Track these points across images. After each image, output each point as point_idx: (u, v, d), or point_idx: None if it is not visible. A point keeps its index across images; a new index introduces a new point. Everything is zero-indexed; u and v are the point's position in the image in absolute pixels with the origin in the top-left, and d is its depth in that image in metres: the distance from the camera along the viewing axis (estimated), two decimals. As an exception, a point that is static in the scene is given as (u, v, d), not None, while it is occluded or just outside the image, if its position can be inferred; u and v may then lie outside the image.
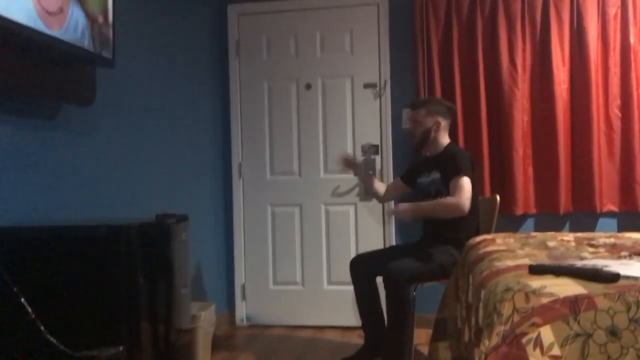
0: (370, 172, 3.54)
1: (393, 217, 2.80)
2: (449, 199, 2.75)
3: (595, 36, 3.49)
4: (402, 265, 2.65)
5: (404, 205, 2.84)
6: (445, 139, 2.98)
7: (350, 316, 3.72)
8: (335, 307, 3.80)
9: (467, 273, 1.98)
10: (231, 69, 3.95)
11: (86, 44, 2.11)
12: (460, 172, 2.75)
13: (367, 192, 3.32)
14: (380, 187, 3.23)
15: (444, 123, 2.95)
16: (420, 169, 3.05)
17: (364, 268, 2.94)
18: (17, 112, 2.06)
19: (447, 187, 2.84)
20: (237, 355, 3.28)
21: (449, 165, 2.81)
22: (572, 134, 3.54)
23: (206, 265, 3.67)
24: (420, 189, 3.02)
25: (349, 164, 3.20)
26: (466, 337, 1.73)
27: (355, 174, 3.39)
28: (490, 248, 2.03)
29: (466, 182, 2.74)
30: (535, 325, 1.24)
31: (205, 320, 2.81)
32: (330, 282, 3.84)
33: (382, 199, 3.34)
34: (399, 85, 3.74)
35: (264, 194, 3.93)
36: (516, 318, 1.28)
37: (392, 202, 3.47)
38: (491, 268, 1.67)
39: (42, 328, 1.54)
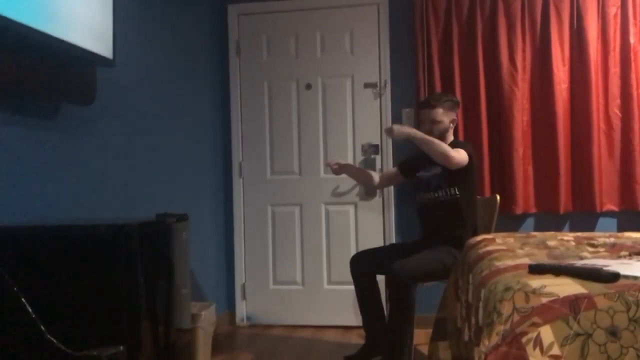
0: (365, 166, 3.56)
1: (392, 133, 2.81)
2: (445, 145, 2.77)
3: (595, 36, 3.49)
4: (405, 265, 2.65)
5: (402, 127, 2.83)
6: (451, 135, 3.01)
7: (350, 316, 3.73)
8: (335, 306, 3.80)
9: (467, 272, 1.98)
10: (231, 69, 3.95)
11: (86, 44, 2.11)
12: (458, 147, 2.83)
13: (364, 184, 3.32)
14: (375, 176, 3.23)
15: (456, 118, 3.00)
16: (422, 162, 3.05)
17: (364, 265, 2.95)
18: (17, 112, 2.06)
19: (447, 181, 2.86)
20: (237, 355, 3.28)
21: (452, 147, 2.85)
22: (572, 133, 3.54)
23: (206, 265, 3.67)
24: (420, 182, 3.03)
25: (340, 169, 3.14)
26: (466, 337, 1.73)
27: (351, 175, 3.30)
28: (490, 247, 2.03)
29: (462, 152, 2.80)
30: (535, 325, 1.24)
31: (205, 320, 2.81)
32: (330, 282, 3.84)
33: (377, 187, 3.41)
34: (399, 85, 3.74)
35: (264, 193, 3.93)
36: (516, 318, 1.28)
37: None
38: (491, 267, 1.67)
39: (42, 328, 1.54)
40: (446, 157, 2.74)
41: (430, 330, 2.54)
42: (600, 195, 3.47)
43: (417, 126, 3.06)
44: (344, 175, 3.30)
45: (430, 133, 2.98)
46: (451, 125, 2.98)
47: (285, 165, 3.91)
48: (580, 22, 3.50)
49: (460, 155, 2.77)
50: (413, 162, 3.16)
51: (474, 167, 2.91)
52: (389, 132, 2.83)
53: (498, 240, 2.20)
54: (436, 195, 2.92)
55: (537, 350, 1.21)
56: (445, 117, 2.94)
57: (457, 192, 2.86)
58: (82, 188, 2.41)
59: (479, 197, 3.18)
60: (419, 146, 2.83)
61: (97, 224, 1.84)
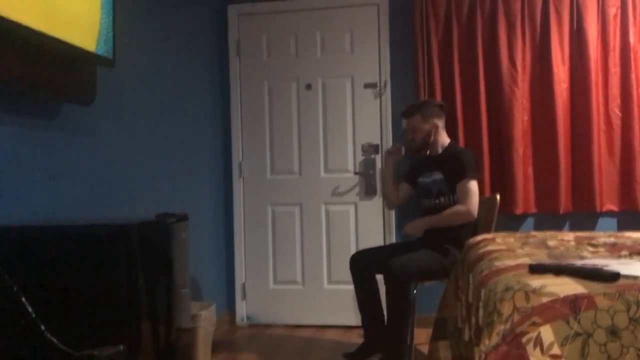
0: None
1: (416, 233, 2.93)
2: (459, 208, 2.79)
3: (595, 36, 3.49)
4: (403, 262, 2.66)
5: (414, 224, 2.90)
6: (445, 139, 3.00)
7: (350, 315, 3.72)
8: (336, 306, 3.80)
9: (467, 272, 1.98)
10: (231, 69, 3.95)
11: (86, 44, 2.11)
12: (466, 176, 2.78)
13: (385, 194, 3.25)
14: (394, 191, 3.20)
15: (440, 123, 2.97)
16: (421, 168, 3.05)
17: (364, 264, 2.95)
18: (17, 112, 2.06)
19: (450, 187, 2.85)
20: (237, 355, 3.28)
21: (454, 167, 2.83)
22: (572, 133, 3.54)
23: (206, 265, 3.67)
24: (421, 188, 3.03)
25: (395, 152, 3.17)
26: (466, 337, 1.73)
27: (388, 175, 3.21)
28: (490, 247, 2.03)
29: (473, 186, 2.79)
30: (535, 325, 1.24)
31: (205, 320, 2.81)
32: (330, 282, 3.84)
33: (396, 203, 3.27)
34: (399, 85, 3.74)
35: (264, 193, 3.93)
36: (516, 317, 1.28)
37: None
38: (491, 267, 1.67)
39: (42, 328, 1.54)
40: (469, 219, 2.80)
41: (430, 330, 2.54)
42: (600, 195, 3.47)
43: (412, 134, 3.03)
44: (344, 175, 3.29)
45: (412, 141, 3.00)
46: (433, 131, 2.94)
47: (285, 165, 3.91)
48: (580, 22, 3.50)
49: (474, 199, 2.79)
50: (413, 169, 3.16)
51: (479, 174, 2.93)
52: (406, 234, 2.94)
53: (498, 240, 2.20)
54: (437, 201, 2.92)
55: (538, 349, 1.21)
56: (424, 123, 2.94)
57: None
58: (82, 188, 2.41)
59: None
60: (439, 226, 2.87)
61: (97, 224, 1.84)
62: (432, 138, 2.96)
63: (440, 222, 2.85)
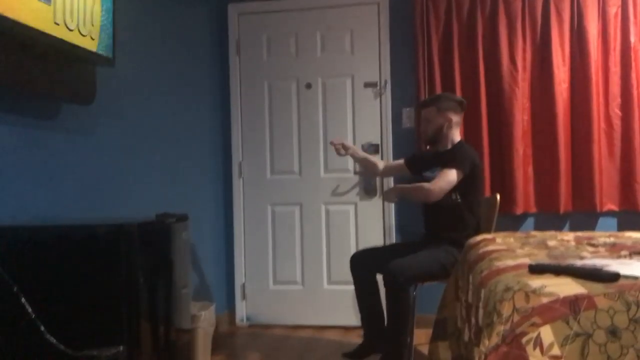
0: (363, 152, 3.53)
1: (390, 199, 3.06)
2: (425, 185, 2.83)
3: (596, 35, 3.49)
4: (402, 265, 2.65)
5: (389, 190, 3.01)
6: (456, 136, 2.98)
7: (350, 316, 3.72)
8: (336, 306, 3.80)
9: (467, 272, 1.98)
10: (231, 68, 3.94)
11: (86, 43, 2.11)
12: (449, 165, 2.80)
13: (367, 171, 3.37)
14: (379, 163, 3.26)
15: (455, 119, 2.95)
16: (428, 162, 3.04)
17: (364, 264, 2.95)
18: (17, 112, 2.06)
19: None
20: (237, 355, 3.28)
21: (448, 159, 2.83)
22: (572, 133, 3.54)
23: (206, 265, 3.67)
24: (424, 182, 3.02)
25: (345, 150, 3.17)
26: (466, 337, 1.73)
27: (355, 159, 3.36)
28: (490, 247, 2.03)
29: (450, 175, 2.79)
30: (535, 325, 1.24)
31: (205, 320, 2.81)
32: (330, 282, 3.84)
33: (381, 174, 3.41)
34: (399, 85, 3.74)
35: (264, 193, 3.93)
36: (516, 318, 1.28)
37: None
38: (491, 267, 1.67)
39: (42, 328, 1.54)
40: (426, 198, 2.83)
41: (430, 330, 2.54)
42: (600, 195, 3.47)
43: (424, 125, 3.03)
44: (344, 175, 3.29)
45: (424, 132, 3.00)
46: (446, 124, 2.92)
47: (285, 165, 3.91)
48: (581, 22, 3.50)
49: (441, 184, 2.78)
50: (420, 160, 3.15)
51: (478, 174, 2.91)
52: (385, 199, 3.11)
53: (498, 240, 2.20)
54: None
55: (537, 350, 1.21)
56: (438, 116, 2.92)
57: (459, 198, 2.84)
58: (82, 188, 2.41)
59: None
60: (407, 196, 2.98)
61: (97, 224, 1.84)
62: (443, 132, 2.94)
63: (406, 192, 2.93)
